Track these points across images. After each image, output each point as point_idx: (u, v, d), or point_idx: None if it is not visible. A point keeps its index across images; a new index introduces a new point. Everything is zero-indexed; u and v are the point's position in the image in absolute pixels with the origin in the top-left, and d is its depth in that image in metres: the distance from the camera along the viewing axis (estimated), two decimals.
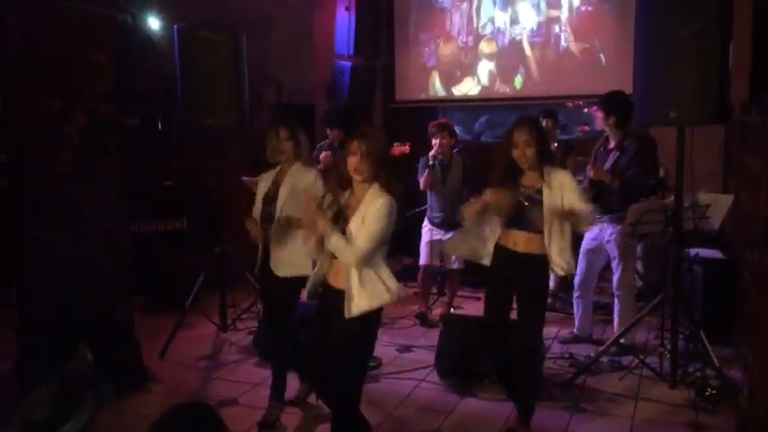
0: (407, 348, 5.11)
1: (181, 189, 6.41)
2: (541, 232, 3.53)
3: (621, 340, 4.67)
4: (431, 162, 5.43)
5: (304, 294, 3.44)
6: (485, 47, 7.88)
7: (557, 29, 7.52)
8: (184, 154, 6.48)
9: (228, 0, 6.93)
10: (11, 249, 4.09)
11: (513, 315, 3.72)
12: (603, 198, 4.80)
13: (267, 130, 3.95)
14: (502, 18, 7.78)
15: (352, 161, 3.04)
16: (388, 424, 3.86)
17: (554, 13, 7.51)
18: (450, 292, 5.84)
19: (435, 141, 5.42)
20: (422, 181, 5.46)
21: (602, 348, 4.56)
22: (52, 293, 4.03)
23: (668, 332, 4.38)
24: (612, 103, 4.79)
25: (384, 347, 5.00)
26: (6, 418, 3.77)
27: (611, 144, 4.86)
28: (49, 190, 4.05)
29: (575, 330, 5.16)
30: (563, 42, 7.49)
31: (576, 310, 5.14)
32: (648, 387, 4.30)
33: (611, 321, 5.09)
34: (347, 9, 8.03)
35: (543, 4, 7.55)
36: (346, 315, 2.95)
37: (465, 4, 7.97)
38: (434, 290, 6.14)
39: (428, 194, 5.60)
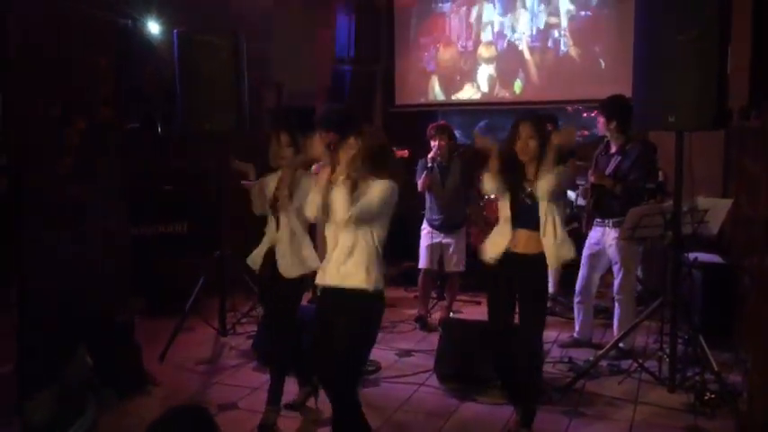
0: (407, 352, 5.10)
1: (181, 192, 6.41)
2: (538, 230, 3.56)
3: (621, 344, 4.67)
4: (429, 164, 5.43)
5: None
6: (484, 51, 7.89)
7: (556, 34, 7.53)
8: (184, 157, 6.49)
9: (229, 4, 6.94)
10: (11, 250, 4.09)
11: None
12: (605, 203, 4.81)
13: (268, 134, 3.97)
14: (501, 23, 7.80)
15: (344, 155, 3.09)
16: (387, 428, 3.86)
17: (553, 18, 7.52)
18: (450, 296, 5.83)
19: (434, 143, 5.43)
20: (420, 182, 5.47)
21: (601, 352, 4.56)
22: (52, 294, 4.03)
23: (667, 336, 4.38)
24: (614, 107, 4.79)
25: (383, 351, 5.00)
26: (6, 418, 3.78)
27: (613, 149, 4.86)
28: (49, 191, 4.05)
29: (575, 334, 5.16)
30: (562, 47, 7.50)
31: (577, 314, 5.14)
32: (647, 391, 4.30)
33: (611, 325, 5.10)
34: (348, 13, 8.05)
35: (542, 10, 7.56)
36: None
37: (464, 9, 7.98)
38: (434, 294, 6.14)
39: (426, 197, 5.60)
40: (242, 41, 5.10)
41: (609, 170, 4.80)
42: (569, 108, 7.78)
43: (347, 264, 3.10)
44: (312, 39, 8.22)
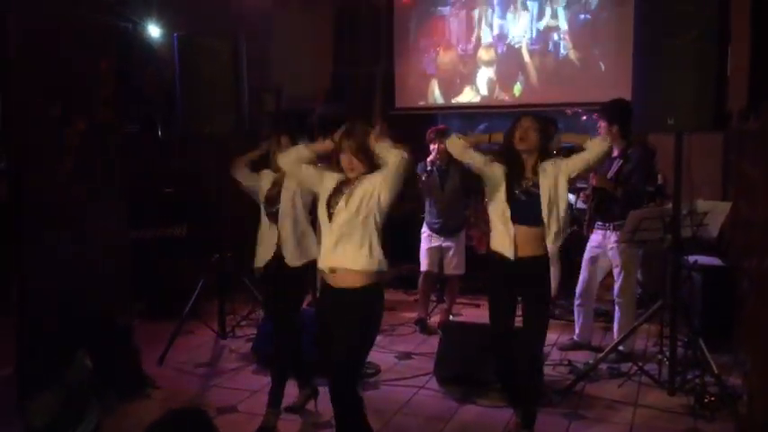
0: (407, 355, 5.10)
1: (181, 195, 6.41)
2: (539, 226, 3.53)
3: (620, 347, 4.67)
4: (429, 168, 5.43)
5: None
6: (483, 54, 7.90)
7: (555, 37, 7.54)
8: (184, 160, 6.49)
9: (228, 7, 6.96)
10: (11, 252, 4.10)
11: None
12: (606, 206, 4.81)
13: (269, 137, 3.98)
14: (501, 26, 7.81)
15: (344, 159, 3.09)
16: (387, 431, 3.86)
17: (553, 21, 7.54)
18: (450, 299, 5.83)
19: (433, 147, 5.43)
20: (419, 183, 5.47)
21: (600, 355, 4.56)
22: (52, 296, 4.04)
23: (667, 339, 4.37)
24: (615, 111, 4.75)
25: (383, 354, 5.01)
26: (6, 418, 3.78)
27: (615, 152, 4.85)
28: (49, 193, 4.05)
29: (575, 337, 5.16)
30: (562, 50, 7.51)
31: (577, 317, 5.14)
32: (647, 394, 4.30)
33: (611, 328, 5.09)
34: (347, 16, 8.07)
35: (542, 13, 7.57)
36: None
37: (464, 12, 7.99)
38: (434, 297, 6.14)
39: (426, 201, 5.60)
40: (242, 44, 5.11)
41: (610, 173, 4.80)
42: (569, 111, 7.79)
43: (347, 246, 3.07)
44: (312, 42, 8.24)
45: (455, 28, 8.05)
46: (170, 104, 5.39)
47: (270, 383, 3.93)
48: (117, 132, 4.47)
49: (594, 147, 3.55)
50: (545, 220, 3.49)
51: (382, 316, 3.24)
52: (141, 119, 6.48)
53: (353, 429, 3.17)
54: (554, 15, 7.52)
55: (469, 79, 7.99)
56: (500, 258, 3.60)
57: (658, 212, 4.41)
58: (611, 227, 4.80)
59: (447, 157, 5.46)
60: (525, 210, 3.54)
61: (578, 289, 5.06)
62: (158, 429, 2.01)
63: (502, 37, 7.79)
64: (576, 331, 5.15)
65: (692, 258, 4.88)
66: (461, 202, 5.57)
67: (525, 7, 7.63)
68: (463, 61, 8.02)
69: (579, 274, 5.08)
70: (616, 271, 4.86)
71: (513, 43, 7.74)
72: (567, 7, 7.44)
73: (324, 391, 3.47)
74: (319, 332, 3.27)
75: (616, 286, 4.89)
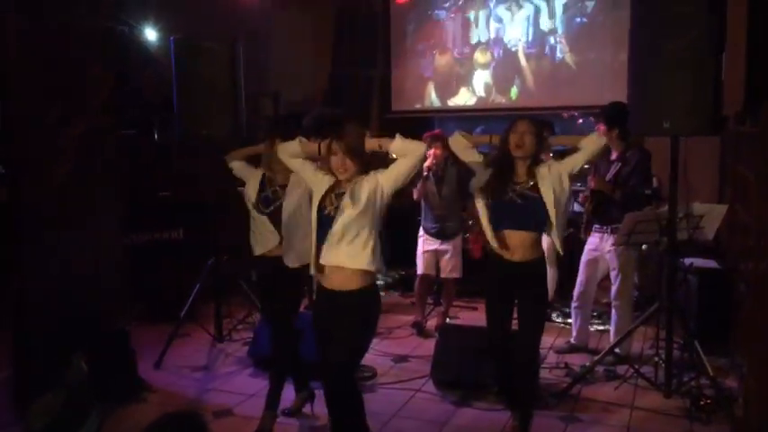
0: (403, 358, 5.10)
1: (177, 199, 6.41)
2: (536, 230, 3.54)
3: (617, 350, 4.67)
4: (425, 173, 5.43)
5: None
6: (480, 57, 7.92)
7: (552, 40, 7.57)
8: (181, 164, 6.49)
9: (226, 10, 6.96)
10: (8, 255, 4.09)
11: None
12: (604, 208, 4.81)
13: (265, 140, 3.99)
14: (497, 29, 7.83)
15: (335, 161, 3.08)
16: None
17: (549, 24, 7.56)
18: (446, 302, 5.83)
19: (429, 152, 5.42)
20: (415, 191, 5.47)
21: (597, 358, 4.56)
22: (49, 298, 4.03)
23: (663, 342, 4.38)
24: (615, 115, 4.72)
25: (380, 357, 5.01)
26: (3, 420, 3.78)
27: (613, 155, 4.86)
28: (47, 196, 4.05)
29: (571, 340, 5.17)
30: (558, 53, 7.54)
31: (575, 319, 5.14)
32: (643, 396, 4.30)
33: (607, 331, 5.09)
34: (344, 20, 8.09)
35: (538, 16, 7.59)
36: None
37: (460, 16, 8.02)
38: (430, 300, 6.14)
39: (422, 205, 5.61)
40: (239, 48, 5.12)
41: (609, 176, 4.80)
42: (565, 114, 7.80)
43: (349, 247, 3.06)
44: (309, 45, 8.25)
45: (451, 31, 8.08)
46: (167, 108, 5.38)
47: (266, 387, 3.93)
48: (114, 135, 4.47)
49: (589, 145, 3.55)
50: (552, 221, 3.48)
51: (379, 318, 3.25)
52: (138, 122, 6.48)
53: (352, 431, 3.18)
54: (550, 18, 7.54)
55: (466, 80, 8.01)
56: (497, 261, 3.61)
57: (654, 215, 4.41)
58: (609, 230, 4.80)
59: (443, 162, 5.48)
60: (522, 213, 3.53)
61: (575, 291, 5.07)
62: None
63: (498, 40, 7.82)
64: (573, 334, 5.15)
65: (688, 261, 4.89)
66: (458, 206, 5.58)
67: (521, 11, 7.65)
68: (459, 63, 8.04)
69: (576, 276, 5.08)
70: (613, 274, 4.87)
71: (509, 46, 7.77)
72: (563, 11, 7.46)
73: (320, 394, 3.47)
74: (317, 335, 3.26)
75: (613, 289, 4.90)
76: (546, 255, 3.76)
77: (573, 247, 5.29)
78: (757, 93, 5.42)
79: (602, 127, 4.79)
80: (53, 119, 4.03)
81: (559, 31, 7.51)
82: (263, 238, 3.94)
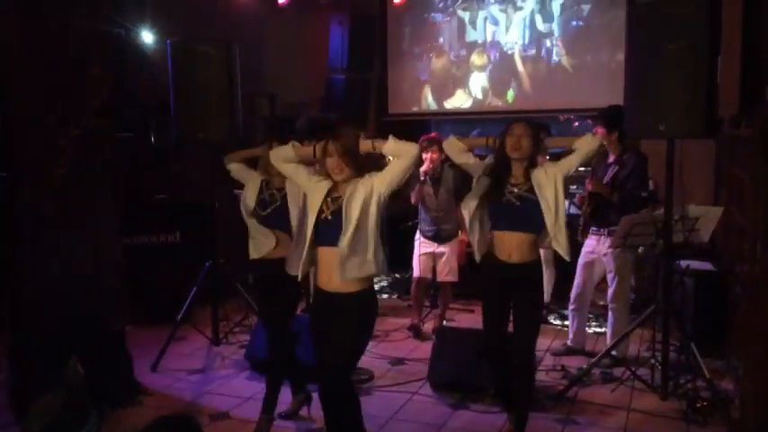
0: (400, 361, 5.10)
1: (174, 202, 6.41)
2: (532, 232, 3.54)
3: (613, 352, 4.68)
4: (422, 178, 5.43)
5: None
6: (476, 59, 7.94)
7: (548, 43, 7.59)
8: (178, 167, 6.49)
9: (222, 13, 6.97)
10: (5, 258, 4.09)
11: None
12: (601, 211, 4.82)
13: (263, 143, 3.99)
14: (494, 32, 7.85)
15: (331, 163, 3.08)
16: None
17: (545, 27, 7.58)
18: (443, 305, 5.84)
19: (426, 156, 5.41)
20: (413, 195, 5.48)
21: (593, 360, 4.57)
22: (45, 300, 4.02)
23: (659, 344, 4.39)
24: (615, 118, 4.71)
25: (376, 360, 5.01)
26: (3, 419, 3.77)
27: (611, 158, 4.87)
28: (45, 198, 4.05)
29: (568, 342, 5.17)
30: (554, 56, 7.55)
31: (572, 322, 5.15)
32: (640, 398, 4.31)
33: (603, 333, 5.10)
34: (341, 23, 8.10)
35: (535, 19, 7.61)
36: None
37: (456, 19, 8.03)
38: (427, 302, 6.14)
39: (419, 209, 5.61)
40: (235, 51, 5.12)
41: (606, 179, 4.81)
42: (561, 117, 7.83)
43: (356, 257, 3.05)
44: (306, 48, 8.26)
45: (447, 34, 8.10)
46: (164, 110, 5.38)
47: (263, 390, 3.93)
48: (111, 139, 4.46)
49: (584, 146, 3.56)
50: (549, 223, 3.48)
51: (376, 320, 3.25)
52: (135, 125, 6.48)
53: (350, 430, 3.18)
54: (547, 21, 7.56)
55: (462, 83, 8.03)
56: (493, 263, 3.62)
57: (650, 218, 4.42)
58: (606, 232, 4.81)
59: (440, 165, 5.48)
60: (519, 215, 3.54)
61: (572, 294, 5.07)
62: None
63: (494, 43, 7.84)
64: (570, 336, 5.16)
65: (684, 263, 4.90)
66: (454, 209, 5.58)
67: (518, 13, 7.67)
68: (456, 65, 8.06)
69: (573, 279, 5.09)
70: (610, 276, 4.88)
71: (505, 49, 7.78)
72: (559, 14, 7.48)
73: (317, 397, 3.46)
74: (314, 337, 3.26)
75: (610, 291, 4.90)
76: (542, 257, 3.77)
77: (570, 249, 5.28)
78: (752, 94, 5.43)
79: (600, 130, 4.81)
80: (53, 119, 4.02)
81: (555, 33, 7.54)
82: (257, 242, 3.94)
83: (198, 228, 5.94)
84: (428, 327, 5.80)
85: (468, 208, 3.61)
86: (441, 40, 8.14)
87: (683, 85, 3.99)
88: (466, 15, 7.97)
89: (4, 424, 3.88)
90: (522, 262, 3.56)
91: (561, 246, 3.52)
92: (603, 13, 7.25)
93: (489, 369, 4.02)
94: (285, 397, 4.05)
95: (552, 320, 5.92)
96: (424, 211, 5.58)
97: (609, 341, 4.85)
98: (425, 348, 5.03)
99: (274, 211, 3.88)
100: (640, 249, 5.41)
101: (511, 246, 3.57)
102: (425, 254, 5.59)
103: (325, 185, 3.17)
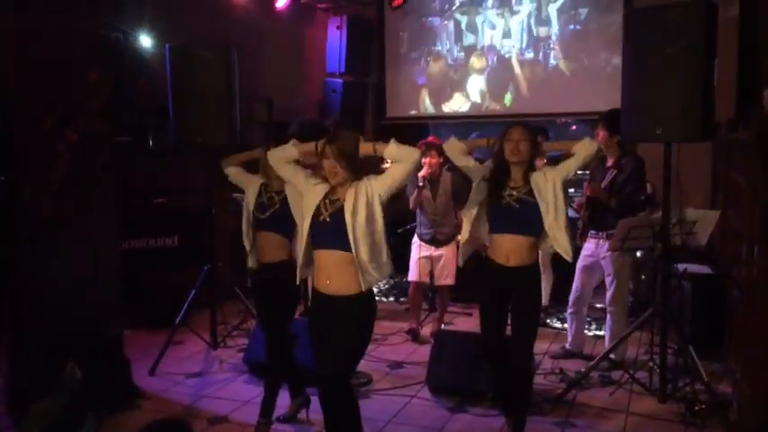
0: (398, 364, 5.10)
1: (172, 206, 6.40)
2: (532, 235, 3.55)
3: (612, 355, 4.68)
4: (420, 183, 5.43)
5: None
6: (475, 62, 7.95)
7: (546, 46, 7.60)
8: (176, 171, 6.48)
9: (220, 18, 6.97)
10: (4, 261, 4.08)
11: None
12: (600, 215, 4.83)
13: (259, 147, 3.99)
14: (491, 36, 7.86)
15: (328, 165, 3.09)
16: None
17: (543, 31, 7.59)
18: (441, 308, 5.84)
19: (425, 161, 5.40)
20: (411, 200, 5.48)
21: (591, 363, 4.57)
22: (43, 305, 4.02)
23: (658, 347, 4.39)
24: (617, 121, 4.63)
25: (375, 364, 5.01)
26: (2, 422, 3.76)
27: (609, 162, 4.88)
28: (44, 201, 4.05)
29: (567, 345, 5.17)
30: (552, 60, 7.57)
31: (570, 325, 5.15)
32: (638, 402, 4.31)
33: (602, 336, 5.10)
34: (338, 27, 8.10)
35: (532, 23, 7.63)
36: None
37: (454, 23, 8.05)
38: (425, 306, 6.15)
39: (417, 212, 5.62)
40: (234, 56, 5.12)
41: (604, 183, 4.82)
42: (559, 120, 7.84)
43: (375, 261, 3.09)
44: (303, 53, 8.27)
45: (445, 38, 8.11)
46: (162, 115, 5.39)
47: (261, 393, 3.93)
48: (109, 144, 4.47)
49: (582, 150, 3.57)
50: (548, 223, 3.49)
51: (374, 323, 3.25)
52: (133, 129, 6.48)
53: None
54: (544, 25, 7.57)
55: (460, 86, 8.04)
56: (492, 266, 3.62)
57: (648, 221, 4.44)
58: (605, 236, 4.81)
59: (438, 169, 5.48)
60: (519, 218, 3.55)
61: (571, 297, 5.08)
62: None
63: (492, 47, 7.85)
64: (569, 339, 5.16)
65: (681, 267, 4.91)
66: (452, 212, 5.59)
67: (515, 17, 7.69)
68: (453, 69, 8.07)
69: (572, 282, 5.09)
70: (608, 279, 4.88)
71: (503, 53, 7.80)
72: (557, 18, 7.50)
73: (315, 400, 3.47)
74: (313, 339, 3.26)
75: (608, 295, 4.91)
76: (540, 260, 3.78)
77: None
78: (749, 97, 5.44)
79: (602, 133, 4.81)
80: (52, 120, 4.03)
81: (553, 37, 7.55)
82: (256, 246, 3.95)
83: (196, 232, 5.94)
84: (426, 330, 5.80)
85: (469, 216, 3.64)
86: (438, 43, 8.16)
87: (679, 88, 4.00)
88: (463, 19, 7.98)
89: (2, 428, 3.87)
90: (521, 265, 3.57)
91: (562, 246, 3.53)
92: (601, 16, 7.27)
93: (488, 372, 4.03)
94: (283, 400, 4.05)
95: (551, 323, 5.92)
96: (422, 214, 5.58)
97: (607, 344, 4.85)
98: (424, 352, 5.03)
99: (273, 215, 3.88)
100: (638, 253, 5.42)
101: (509, 248, 3.57)
102: (423, 257, 5.60)
103: (322, 188, 3.17)
